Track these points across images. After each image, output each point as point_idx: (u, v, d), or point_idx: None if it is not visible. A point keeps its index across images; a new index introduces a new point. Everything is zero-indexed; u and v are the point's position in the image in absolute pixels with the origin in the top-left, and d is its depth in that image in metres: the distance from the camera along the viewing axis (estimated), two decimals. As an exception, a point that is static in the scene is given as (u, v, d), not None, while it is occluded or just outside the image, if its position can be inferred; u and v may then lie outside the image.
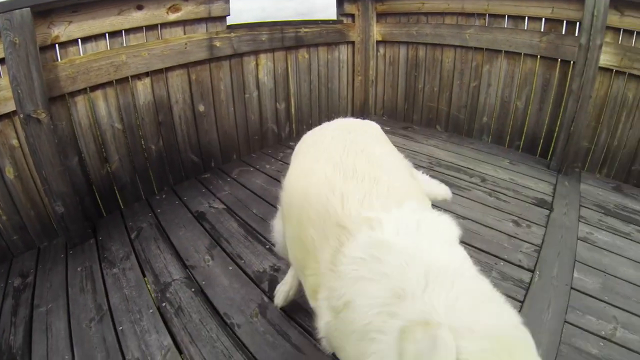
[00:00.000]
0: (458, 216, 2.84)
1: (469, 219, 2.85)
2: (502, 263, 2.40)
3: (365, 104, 5.03)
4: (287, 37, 3.92)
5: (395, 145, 3.99)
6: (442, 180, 3.31)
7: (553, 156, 3.74)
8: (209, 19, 3.29)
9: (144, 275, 2.37)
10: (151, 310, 2.12)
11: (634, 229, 2.83)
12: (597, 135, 3.70)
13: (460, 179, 3.45)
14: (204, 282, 2.27)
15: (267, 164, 3.64)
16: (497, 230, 2.74)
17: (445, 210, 2.70)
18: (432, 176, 3.40)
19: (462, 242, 2.43)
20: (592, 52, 3.30)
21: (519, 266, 2.39)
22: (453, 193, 3.08)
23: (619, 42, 3.38)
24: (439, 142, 4.31)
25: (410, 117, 4.95)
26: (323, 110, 4.65)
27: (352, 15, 4.65)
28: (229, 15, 3.41)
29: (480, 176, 3.52)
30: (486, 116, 4.27)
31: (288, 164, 3.53)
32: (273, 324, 2.02)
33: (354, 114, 5.10)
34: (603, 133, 3.67)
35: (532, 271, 2.34)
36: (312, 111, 4.50)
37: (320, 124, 4.34)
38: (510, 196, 3.19)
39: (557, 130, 3.78)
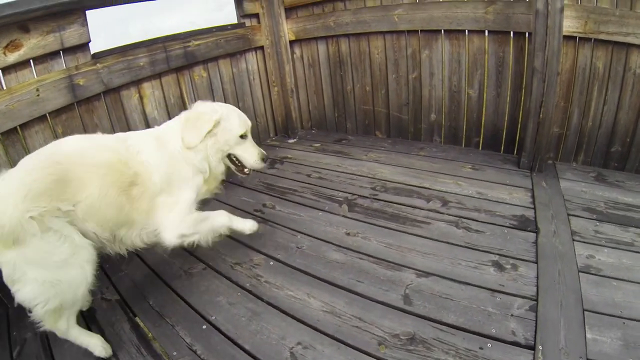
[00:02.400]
0: (419, 273, 2.15)
1: (434, 275, 2.13)
2: (489, 344, 1.69)
3: (288, 119, 4.32)
4: (174, 55, 3.19)
5: (327, 169, 3.41)
6: (392, 215, 2.69)
7: (522, 150, 3.19)
8: (65, 51, 2.60)
9: None
10: None
11: (634, 233, 2.32)
12: (569, 118, 3.24)
13: (415, 207, 2.76)
14: None
15: (172, 220, 2.86)
16: (475, 285, 2.03)
17: (402, 267, 2.18)
18: (378, 210, 2.76)
19: (429, 318, 1.80)
20: (553, 18, 2.77)
21: (514, 343, 1.68)
22: (407, 233, 2.50)
23: (579, 3, 2.89)
24: (382, 153, 3.66)
25: (344, 126, 4.32)
26: (239, 134, 3.89)
27: (256, 15, 3.93)
28: (90, 41, 2.71)
29: (440, 197, 2.86)
30: (434, 112, 3.66)
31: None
32: None
33: (277, 132, 4.45)
34: (575, 114, 3.22)
35: (533, 348, 1.65)
36: (225, 139, 3.74)
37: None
38: (483, 222, 2.53)
39: (521, 117, 3.25)
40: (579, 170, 3.13)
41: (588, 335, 1.69)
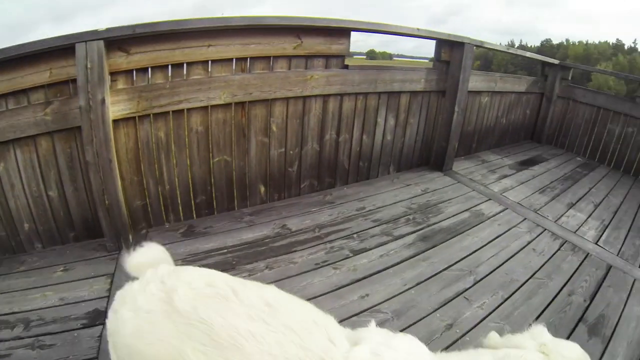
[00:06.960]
0: None
1: None
2: None
3: None
4: None
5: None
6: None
7: (104, 236, 3.73)
8: None
9: None
10: None
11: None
12: (146, 188, 3.85)
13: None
14: None
15: None
16: None
17: None
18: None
19: None
20: (95, 111, 3.10)
21: None
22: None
23: (134, 85, 3.33)
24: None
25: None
26: None
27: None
28: None
29: (24, 319, 2.74)
30: (26, 222, 3.67)
31: None
32: None
33: None
34: (150, 183, 3.86)
35: None
36: None
37: None
38: (57, 332, 2.60)
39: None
40: (170, 230, 3.82)
41: None
